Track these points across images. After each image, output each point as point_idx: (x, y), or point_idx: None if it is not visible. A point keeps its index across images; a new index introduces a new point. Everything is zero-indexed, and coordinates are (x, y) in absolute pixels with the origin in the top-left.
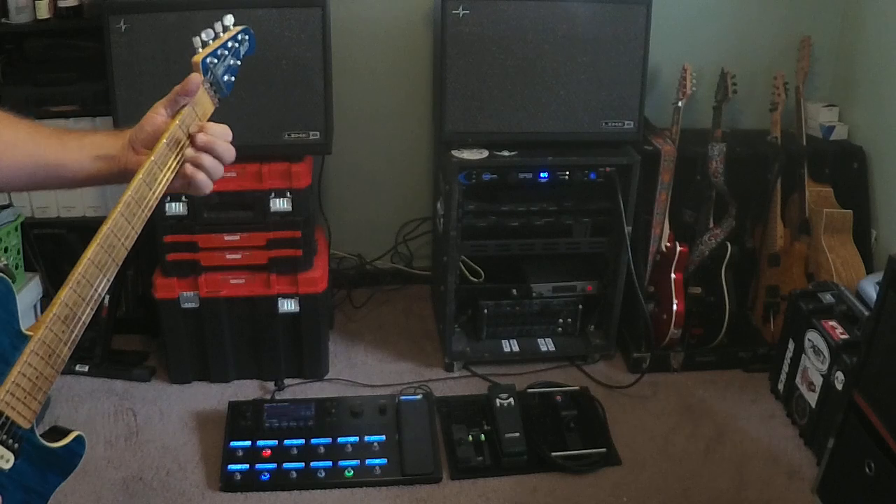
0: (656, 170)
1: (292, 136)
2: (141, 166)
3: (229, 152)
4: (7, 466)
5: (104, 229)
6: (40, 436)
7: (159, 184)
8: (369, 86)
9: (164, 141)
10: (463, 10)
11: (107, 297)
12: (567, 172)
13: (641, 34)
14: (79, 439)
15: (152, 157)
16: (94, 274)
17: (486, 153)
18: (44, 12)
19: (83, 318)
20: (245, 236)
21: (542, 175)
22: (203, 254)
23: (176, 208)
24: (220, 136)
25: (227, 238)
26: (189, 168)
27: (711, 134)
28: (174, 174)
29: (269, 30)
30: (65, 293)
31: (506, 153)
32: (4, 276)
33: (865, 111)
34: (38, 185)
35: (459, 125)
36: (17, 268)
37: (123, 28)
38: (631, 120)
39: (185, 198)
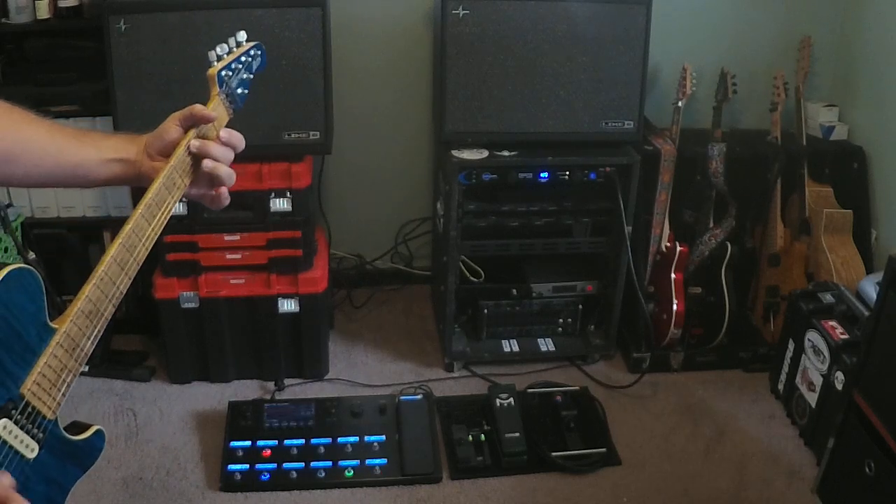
0: (656, 170)
1: (292, 136)
2: (161, 171)
3: (225, 155)
4: (31, 456)
5: (126, 229)
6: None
7: (178, 188)
8: (369, 86)
9: (183, 149)
10: (463, 10)
11: None
12: (567, 172)
13: (641, 34)
14: (99, 433)
15: (172, 162)
16: (116, 272)
17: (486, 153)
18: (44, 12)
19: (105, 314)
20: (245, 236)
21: (542, 175)
22: (203, 254)
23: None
24: (227, 141)
25: (227, 238)
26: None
27: (711, 134)
28: (190, 180)
29: (269, 30)
30: (89, 289)
31: (506, 153)
32: (34, 270)
33: (865, 111)
34: (56, 183)
35: (459, 125)
36: None
37: (123, 28)
38: (631, 120)
39: (185, 198)
